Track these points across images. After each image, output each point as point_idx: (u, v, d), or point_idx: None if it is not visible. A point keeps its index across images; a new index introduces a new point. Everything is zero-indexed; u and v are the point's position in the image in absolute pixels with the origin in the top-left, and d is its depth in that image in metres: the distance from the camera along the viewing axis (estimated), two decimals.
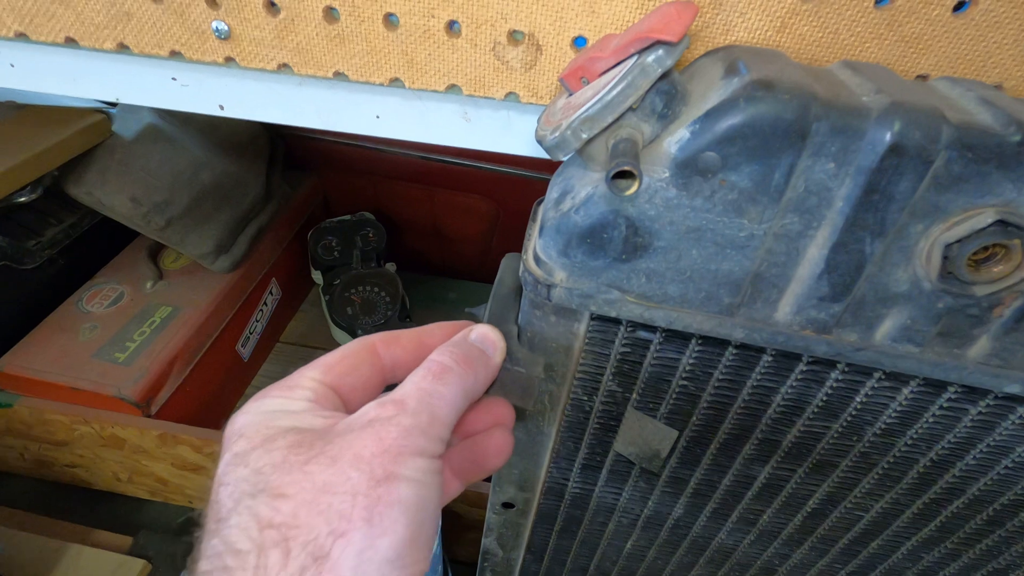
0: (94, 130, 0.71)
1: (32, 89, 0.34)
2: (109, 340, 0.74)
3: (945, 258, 0.20)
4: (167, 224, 0.76)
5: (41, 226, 0.76)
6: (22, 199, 0.69)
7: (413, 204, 1.05)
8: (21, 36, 0.29)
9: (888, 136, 0.18)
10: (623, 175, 0.19)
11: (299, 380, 0.22)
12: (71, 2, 0.27)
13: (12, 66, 0.33)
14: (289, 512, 0.17)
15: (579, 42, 0.25)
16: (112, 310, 0.78)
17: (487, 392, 0.24)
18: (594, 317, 0.25)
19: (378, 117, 0.31)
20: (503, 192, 0.98)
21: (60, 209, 0.78)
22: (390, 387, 0.24)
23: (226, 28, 0.27)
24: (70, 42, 0.29)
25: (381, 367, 0.23)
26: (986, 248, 0.20)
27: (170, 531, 0.79)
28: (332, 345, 0.99)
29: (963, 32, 0.22)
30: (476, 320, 0.27)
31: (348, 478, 0.18)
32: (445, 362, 0.22)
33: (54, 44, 0.29)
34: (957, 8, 0.22)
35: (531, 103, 0.27)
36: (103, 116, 0.72)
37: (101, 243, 0.84)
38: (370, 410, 0.20)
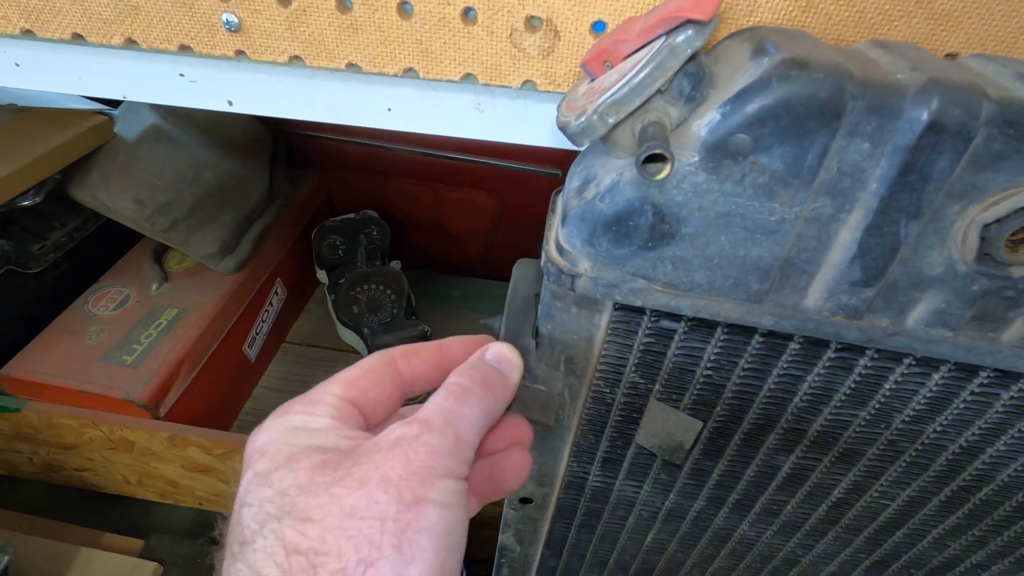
0: (96, 132, 0.71)
1: (38, 88, 0.33)
2: (116, 343, 0.73)
3: (982, 239, 0.19)
4: (171, 225, 0.75)
5: (45, 230, 0.76)
6: (25, 203, 0.69)
7: (416, 201, 1.05)
8: (27, 33, 0.28)
9: (926, 114, 0.18)
10: (654, 159, 0.18)
11: (321, 396, 0.21)
12: None
13: (17, 65, 0.32)
14: (316, 537, 0.17)
15: (598, 27, 0.24)
16: (118, 313, 0.77)
17: (507, 411, 0.24)
18: (617, 307, 0.25)
19: (390, 110, 0.30)
20: (506, 188, 0.97)
21: (64, 212, 0.78)
22: (409, 401, 0.24)
23: (236, 20, 0.26)
24: (77, 38, 0.28)
25: (402, 381, 0.23)
26: None
27: (181, 533, 0.79)
28: (338, 344, 0.98)
29: (994, 8, 0.21)
30: (492, 332, 0.26)
31: (376, 502, 0.17)
32: (465, 384, 0.21)
33: (60, 41, 0.29)
34: None
35: (548, 91, 0.26)
36: (105, 118, 0.72)
37: (105, 246, 0.83)
38: (395, 429, 0.19)
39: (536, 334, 0.27)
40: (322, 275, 1.02)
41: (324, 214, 1.07)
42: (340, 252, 0.98)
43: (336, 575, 0.16)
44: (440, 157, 0.95)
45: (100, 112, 0.72)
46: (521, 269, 0.30)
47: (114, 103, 0.75)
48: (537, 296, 0.27)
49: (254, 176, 0.88)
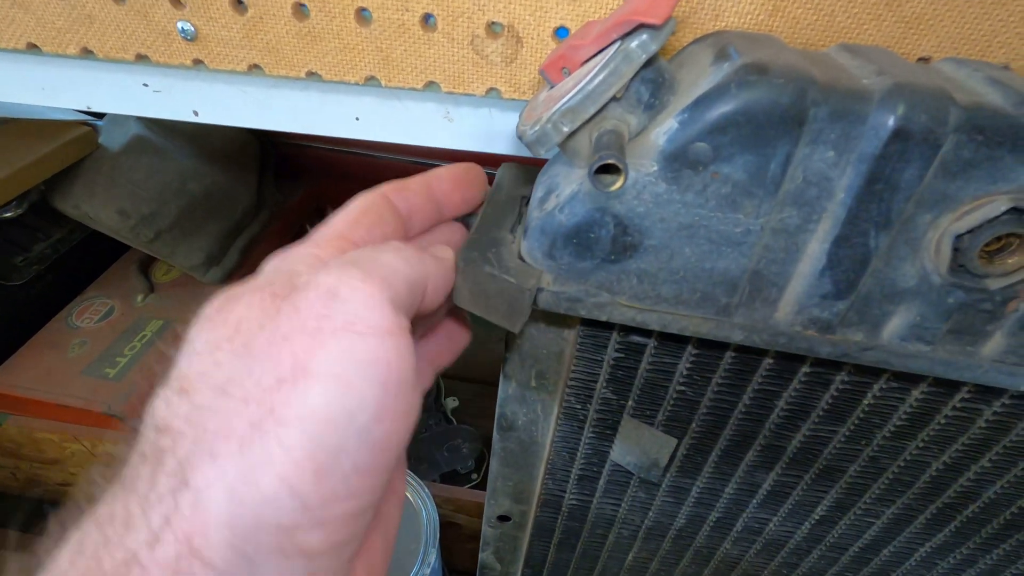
0: (80, 143, 0.70)
1: (2, 100, 0.33)
2: (99, 356, 0.72)
3: (955, 250, 0.19)
4: (156, 236, 0.74)
5: (28, 241, 0.75)
6: (8, 214, 0.68)
7: None
8: None
9: (892, 120, 0.17)
10: (606, 169, 0.17)
11: (320, 235, 0.18)
12: (30, 5, 0.26)
13: None
14: (183, 416, 0.14)
15: (561, 32, 0.23)
16: (102, 325, 0.76)
17: (467, 303, 0.21)
18: (584, 322, 0.24)
19: (358, 119, 0.30)
20: None
21: (47, 223, 0.77)
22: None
23: (192, 29, 0.25)
24: (32, 48, 0.27)
25: (400, 216, 0.21)
26: (999, 238, 0.18)
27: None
28: None
29: (967, 11, 0.21)
30: (467, 226, 0.25)
31: (250, 373, 0.14)
32: (397, 244, 0.18)
33: (16, 51, 0.28)
34: None
35: (514, 99, 0.26)
36: (89, 128, 0.71)
37: (90, 257, 0.83)
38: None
39: (515, 229, 0.23)
40: None
41: (315, 223, 1.06)
42: None
43: (177, 468, 0.13)
44: (429, 165, 0.95)
45: (84, 123, 0.72)
46: (508, 170, 0.27)
47: (99, 114, 0.75)
48: (524, 199, 0.25)
49: (241, 186, 0.87)
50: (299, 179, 1.05)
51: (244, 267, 0.87)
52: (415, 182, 0.22)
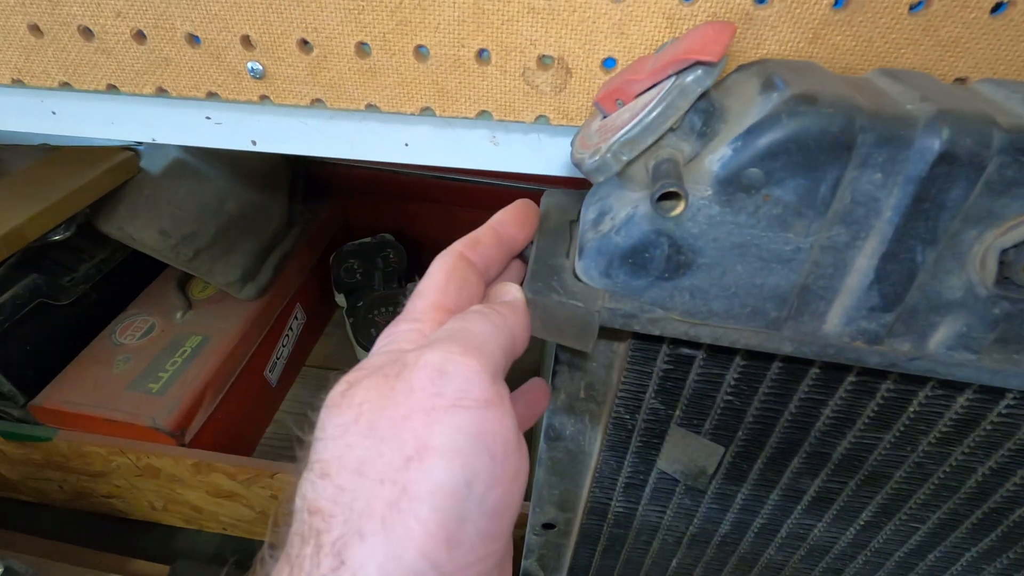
0: (123, 167, 0.73)
1: (72, 134, 0.35)
2: (142, 371, 0.75)
3: (1001, 263, 0.19)
4: (195, 255, 0.77)
5: (75, 262, 0.78)
6: (56, 237, 0.72)
7: (432, 223, 1.06)
8: (65, 86, 0.30)
9: (937, 144, 0.18)
10: (668, 196, 0.18)
11: (412, 307, 0.19)
12: (112, 51, 0.28)
13: (54, 113, 0.34)
14: (329, 498, 0.15)
15: (608, 63, 0.25)
16: (144, 341, 0.79)
17: (540, 332, 0.22)
18: (635, 335, 0.25)
19: (407, 145, 0.31)
20: None
21: (92, 245, 0.80)
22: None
23: (261, 68, 0.27)
24: (111, 88, 0.30)
25: (478, 272, 0.22)
26: None
27: (206, 559, 0.80)
28: None
29: (1002, 33, 0.22)
30: (523, 259, 0.26)
31: (380, 454, 0.15)
32: (480, 309, 0.19)
33: (95, 91, 0.30)
34: (995, 9, 0.21)
35: (562, 124, 0.27)
36: (131, 153, 0.75)
37: (132, 276, 0.86)
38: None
39: (570, 252, 0.25)
40: (340, 299, 1.04)
41: (341, 239, 1.09)
42: (358, 276, 1.00)
43: (334, 545, 0.14)
44: (454, 180, 0.97)
45: (127, 148, 0.75)
46: (550, 198, 0.29)
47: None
48: (572, 223, 0.26)
49: (274, 204, 0.90)
50: (326, 195, 1.08)
51: (277, 283, 0.89)
52: (485, 235, 0.23)
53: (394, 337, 0.19)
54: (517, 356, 0.20)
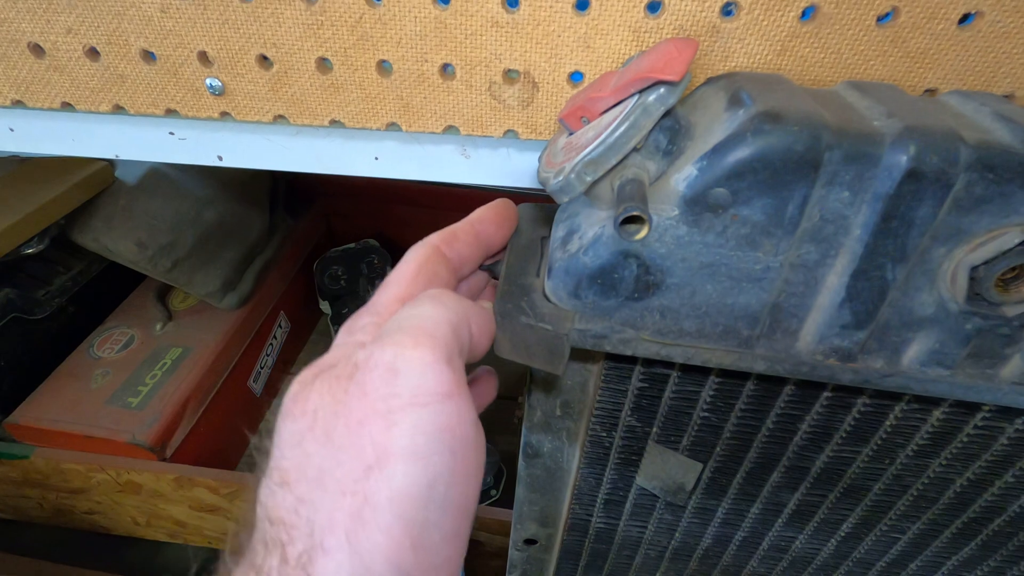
0: (97, 178, 0.72)
1: (32, 151, 0.34)
2: (121, 385, 0.74)
3: (972, 279, 0.19)
4: (173, 265, 0.76)
5: (49, 275, 0.77)
6: (29, 250, 0.70)
7: (416, 228, 1.05)
8: (18, 103, 0.29)
9: (904, 161, 0.17)
10: (632, 219, 0.18)
11: (378, 300, 0.19)
12: (65, 68, 0.27)
13: (11, 130, 0.33)
14: (290, 508, 0.14)
15: (576, 77, 0.24)
16: (123, 354, 0.78)
17: (509, 354, 0.21)
18: (609, 355, 0.24)
19: (377, 159, 0.31)
20: None
21: (67, 257, 0.79)
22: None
23: (220, 84, 0.26)
24: (66, 106, 0.29)
25: (452, 267, 0.21)
26: (1013, 268, 0.19)
27: (192, 572, 0.78)
28: None
29: (970, 44, 0.21)
30: (492, 275, 0.25)
31: (339, 463, 0.14)
32: (431, 293, 0.19)
33: (51, 109, 0.29)
34: (962, 20, 0.21)
35: (530, 139, 0.27)
36: (105, 164, 0.73)
37: (109, 288, 0.84)
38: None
39: (539, 273, 0.24)
40: (325, 306, 1.03)
41: (325, 244, 1.08)
42: (342, 282, 0.99)
43: (301, 557, 0.14)
44: (438, 184, 0.96)
45: (101, 158, 0.73)
46: (524, 212, 0.28)
47: None
48: (544, 239, 0.25)
49: (254, 212, 0.89)
50: (308, 202, 1.06)
51: (259, 291, 0.88)
52: (463, 231, 0.22)
53: (353, 329, 0.19)
54: (476, 355, 0.19)
